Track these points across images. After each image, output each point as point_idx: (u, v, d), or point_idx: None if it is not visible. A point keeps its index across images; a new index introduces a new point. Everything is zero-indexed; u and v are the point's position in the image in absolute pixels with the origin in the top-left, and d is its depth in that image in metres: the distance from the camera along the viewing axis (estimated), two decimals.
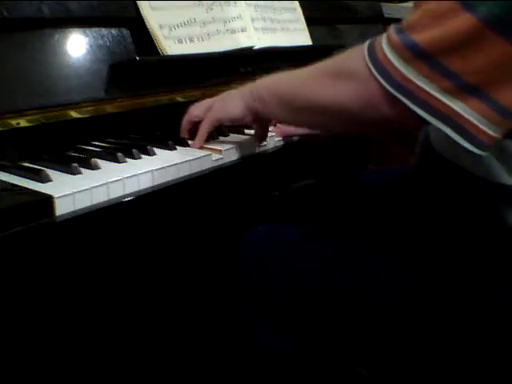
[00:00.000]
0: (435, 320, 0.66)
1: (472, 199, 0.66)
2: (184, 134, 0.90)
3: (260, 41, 1.14)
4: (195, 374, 1.09)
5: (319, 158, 1.23)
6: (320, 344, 0.77)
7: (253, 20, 1.14)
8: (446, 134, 0.54)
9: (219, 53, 1.02)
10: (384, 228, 0.83)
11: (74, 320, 0.92)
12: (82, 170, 0.72)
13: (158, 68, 0.95)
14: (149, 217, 0.76)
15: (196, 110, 0.89)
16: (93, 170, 0.73)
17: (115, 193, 0.69)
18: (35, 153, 0.79)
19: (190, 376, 1.09)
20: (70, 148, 0.84)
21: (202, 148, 0.86)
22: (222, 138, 0.94)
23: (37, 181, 0.67)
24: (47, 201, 0.62)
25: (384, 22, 1.58)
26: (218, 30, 1.05)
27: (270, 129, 0.99)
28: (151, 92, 0.95)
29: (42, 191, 0.64)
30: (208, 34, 1.03)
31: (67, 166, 0.72)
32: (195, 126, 0.89)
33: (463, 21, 0.50)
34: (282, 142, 0.97)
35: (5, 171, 0.72)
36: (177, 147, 0.86)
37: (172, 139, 0.87)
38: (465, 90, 0.52)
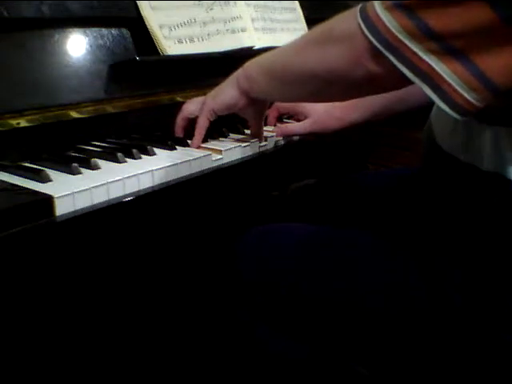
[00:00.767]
0: (436, 320, 0.66)
1: (482, 196, 0.66)
2: (179, 131, 0.90)
3: (260, 41, 1.14)
4: (195, 375, 1.09)
5: (319, 158, 1.23)
6: (321, 344, 0.77)
7: (253, 20, 1.14)
8: (430, 98, 0.55)
9: (219, 53, 1.02)
10: (384, 228, 0.83)
11: (74, 320, 0.92)
12: (82, 169, 0.72)
13: (158, 68, 0.95)
14: (149, 217, 0.76)
15: (190, 106, 0.89)
16: (93, 169, 0.73)
17: (115, 193, 0.69)
18: (35, 153, 0.79)
19: (190, 376, 1.09)
20: (69, 148, 0.84)
21: (201, 148, 0.86)
22: (222, 138, 0.94)
23: (37, 181, 0.68)
24: (47, 201, 0.62)
25: None
26: (218, 30, 1.06)
27: (270, 129, 0.99)
28: (151, 92, 0.95)
29: (41, 191, 0.64)
30: (208, 34, 1.03)
31: (67, 165, 0.72)
32: (191, 124, 0.89)
33: None
34: (282, 142, 0.98)
35: (5, 171, 0.72)
36: (177, 147, 0.86)
37: (172, 139, 0.87)
38: (448, 52, 0.52)
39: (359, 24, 0.57)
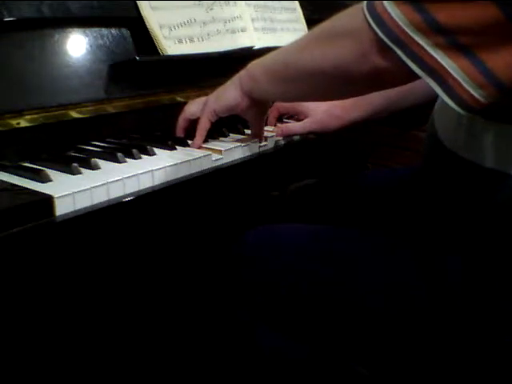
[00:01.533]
0: (437, 320, 0.66)
1: (484, 194, 0.65)
2: (180, 132, 0.90)
3: (260, 41, 1.14)
4: (195, 374, 1.09)
5: (319, 157, 1.23)
6: (321, 344, 0.77)
7: (253, 20, 1.14)
8: (436, 93, 0.54)
9: (219, 53, 1.02)
10: (384, 228, 0.83)
11: (75, 320, 0.92)
12: (82, 169, 0.72)
13: (158, 68, 0.95)
14: (149, 217, 0.76)
15: (192, 107, 0.89)
16: (93, 170, 0.73)
17: (115, 193, 0.69)
18: (35, 153, 0.79)
19: (190, 376, 1.09)
20: (69, 148, 0.84)
21: (201, 148, 0.86)
22: (222, 138, 0.94)
23: (37, 181, 0.67)
24: (47, 201, 0.62)
25: None
26: (217, 30, 1.06)
27: (270, 129, 0.99)
28: (151, 92, 0.95)
29: (41, 191, 0.64)
30: (208, 34, 1.03)
31: (67, 165, 0.72)
32: (192, 125, 0.89)
33: None
34: (282, 142, 0.98)
35: (5, 171, 0.72)
36: (177, 147, 0.86)
37: (172, 139, 0.87)
38: (455, 47, 0.52)
39: (366, 18, 0.56)
